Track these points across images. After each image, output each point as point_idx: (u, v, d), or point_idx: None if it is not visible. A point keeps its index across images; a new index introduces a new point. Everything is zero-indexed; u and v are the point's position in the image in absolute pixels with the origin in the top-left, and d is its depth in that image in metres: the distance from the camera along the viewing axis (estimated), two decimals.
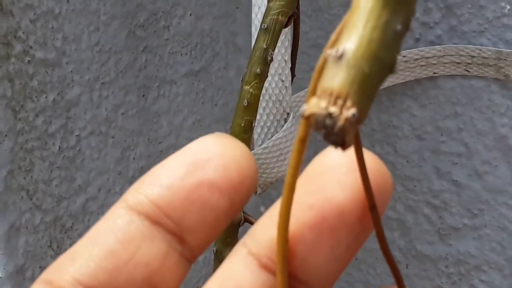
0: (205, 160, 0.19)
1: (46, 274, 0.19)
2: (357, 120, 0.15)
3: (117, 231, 0.19)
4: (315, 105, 0.15)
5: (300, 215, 0.18)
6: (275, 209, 0.19)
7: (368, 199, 0.19)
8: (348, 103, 0.15)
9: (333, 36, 0.17)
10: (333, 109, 0.15)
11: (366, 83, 0.16)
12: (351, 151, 0.19)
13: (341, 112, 0.15)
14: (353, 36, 0.16)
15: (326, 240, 0.18)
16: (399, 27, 0.16)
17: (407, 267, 0.59)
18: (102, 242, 0.19)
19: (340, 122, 0.15)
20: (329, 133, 0.15)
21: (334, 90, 0.15)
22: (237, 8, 0.60)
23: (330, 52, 0.16)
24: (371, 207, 0.19)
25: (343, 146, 0.16)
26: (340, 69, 0.15)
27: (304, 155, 0.17)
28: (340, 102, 0.15)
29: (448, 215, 0.56)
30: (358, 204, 0.19)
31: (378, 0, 0.16)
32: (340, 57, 0.16)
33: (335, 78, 0.15)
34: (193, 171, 0.19)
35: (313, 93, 0.16)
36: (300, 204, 0.19)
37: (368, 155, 0.19)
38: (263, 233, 0.19)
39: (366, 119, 0.16)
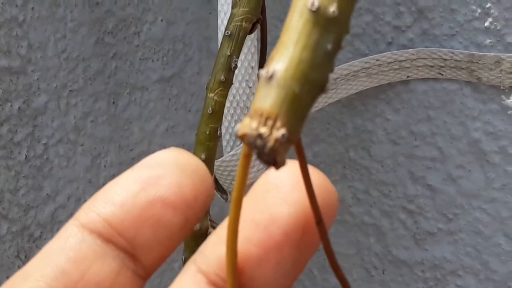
0: (159, 177, 0.19)
1: None
2: (287, 140, 0.15)
3: (69, 250, 0.19)
4: (247, 126, 0.15)
5: (246, 232, 0.19)
6: (224, 227, 0.19)
7: (315, 213, 0.19)
8: (278, 123, 0.15)
9: (270, 56, 0.16)
10: (263, 130, 0.15)
11: (297, 103, 0.15)
12: (296, 168, 0.19)
13: (271, 133, 0.15)
14: (283, 57, 0.16)
15: (272, 257, 0.19)
16: (329, 46, 0.16)
17: (383, 273, 0.59)
18: (53, 261, 0.18)
19: (270, 143, 0.15)
20: (261, 153, 0.15)
21: (264, 111, 0.15)
22: (210, 13, 0.60)
23: (261, 72, 0.16)
24: (317, 222, 0.19)
25: (276, 165, 0.16)
26: (270, 89, 0.15)
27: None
28: (270, 122, 0.15)
29: (423, 219, 0.56)
30: (302, 220, 0.19)
31: (308, 20, 0.16)
32: (270, 78, 0.16)
33: (266, 98, 0.15)
34: (146, 188, 0.19)
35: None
36: (247, 221, 0.19)
37: (313, 171, 0.19)
38: (212, 251, 0.19)
39: (299, 137, 0.16)
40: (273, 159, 0.15)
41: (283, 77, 0.15)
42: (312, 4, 0.15)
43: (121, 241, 0.19)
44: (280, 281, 0.19)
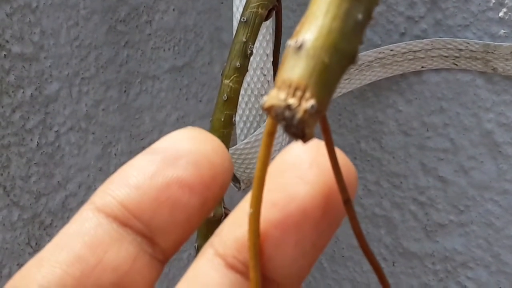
0: (175, 157, 0.18)
1: (13, 281, 0.18)
2: (316, 111, 0.15)
3: (84, 235, 0.18)
4: (274, 97, 0.15)
5: (264, 213, 0.18)
6: (240, 208, 0.19)
7: (342, 193, 0.18)
8: (307, 94, 0.15)
9: (297, 27, 0.16)
10: (292, 101, 0.15)
11: (326, 74, 0.15)
12: (314, 146, 0.18)
13: (300, 104, 0.15)
14: (313, 27, 0.15)
15: (291, 237, 0.18)
16: (360, 16, 0.15)
17: (393, 265, 0.59)
18: (69, 247, 0.18)
19: (299, 114, 0.15)
20: (288, 125, 0.15)
21: (293, 82, 0.15)
22: (222, 3, 0.60)
23: (290, 43, 0.15)
24: (345, 201, 0.18)
25: (304, 138, 0.15)
26: (299, 60, 0.15)
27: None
28: (299, 93, 0.15)
29: (435, 211, 0.56)
30: (322, 199, 0.18)
31: None
32: (299, 48, 0.15)
33: (294, 69, 0.15)
34: (163, 169, 0.18)
35: None
36: (264, 201, 0.18)
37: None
38: (229, 233, 0.19)
39: (327, 109, 0.16)
40: (301, 132, 0.15)
41: (313, 47, 0.15)
42: None
43: (138, 225, 0.18)
44: (299, 261, 0.18)
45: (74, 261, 0.18)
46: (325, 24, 0.15)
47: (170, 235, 0.19)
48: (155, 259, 0.19)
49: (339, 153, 0.19)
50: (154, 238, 0.19)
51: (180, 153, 0.18)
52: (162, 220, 0.18)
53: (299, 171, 0.18)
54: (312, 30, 0.15)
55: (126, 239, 0.18)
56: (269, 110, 0.15)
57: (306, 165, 0.18)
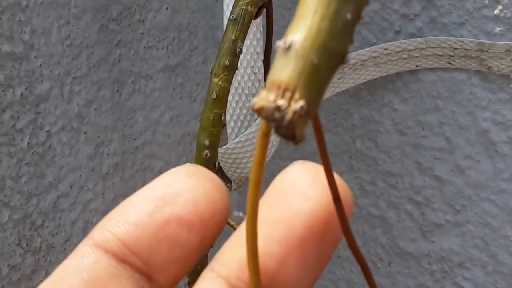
0: (174, 195, 0.18)
1: None
2: (306, 112, 0.15)
3: (83, 271, 0.18)
4: (264, 98, 0.15)
5: (267, 230, 0.18)
6: (240, 231, 0.19)
7: (332, 190, 0.18)
8: (297, 95, 0.15)
9: (288, 27, 0.16)
10: (281, 102, 0.15)
11: (316, 75, 0.15)
12: (313, 167, 0.19)
13: (289, 105, 0.15)
14: (302, 27, 0.15)
15: (295, 254, 0.18)
16: (349, 16, 0.15)
17: (389, 265, 0.58)
18: (67, 283, 0.18)
19: (289, 115, 0.15)
20: (279, 126, 0.15)
21: (282, 83, 0.15)
22: (216, 1, 0.59)
23: (279, 43, 0.15)
24: (335, 199, 0.18)
25: (294, 139, 0.15)
26: (288, 60, 0.15)
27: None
28: (288, 94, 0.15)
29: (431, 211, 0.55)
30: (325, 215, 0.18)
31: None
32: (288, 49, 0.15)
33: (284, 70, 0.15)
34: (162, 206, 0.18)
35: None
36: (267, 219, 0.18)
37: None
38: (231, 255, 0.19)
39: (318, 110, 0.16)
40: (291, 133, 0.15)
41: (302, 47, 0.15)
42: None
43: (136, 261, 0.18)
44: (303, 279, 0.18)
45: None
46: (314, 24, 0.15)
47: (168, 272, 0.19)
48: None
49: (337, 179, 0.19)
50: (152, 275, 0.19)
51: (179, 190, 0.18)
52: (161, 257, 0.18)
53: (301, 189, 0.18)
54: (301, 30, 0.15)
55: (124, 276, 0.18)
56: (259, 111, 0.15)
57: (308, 182, 0.19)
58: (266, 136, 0.16)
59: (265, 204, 0.18)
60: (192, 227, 0.18)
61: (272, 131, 0.15)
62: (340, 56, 0.15)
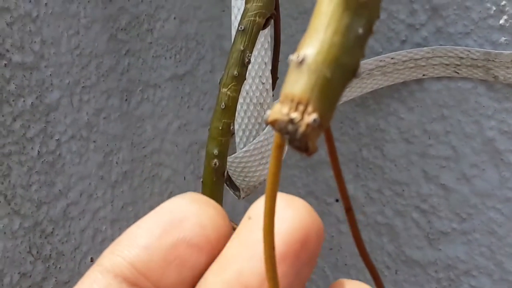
0: (181, 219, 0.19)
1: None
2: (319, 125, 0.15)
3: None
4: (277, 111, 0.15)
5: (249, 250, 0.19)
6: (223, 256, 0.19)
7: (344, 201, 0.19)
8: (310, 108, 0.15)
9: (301, 41, 0.16)
10: (295, 115, 0.15)
11: (328, 88, 0.15)
12: (281, 196, 0.19)
13: (302, 118, 0.15)
14: (314, 41, 0.16)
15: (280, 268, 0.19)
16: (361, 30, 0.16)
17: (396, 273, 0.58)
18: None
19: (302, 128, 0.15)
20: (292, 138, 0.15)
21: (295, 96, 0.15)
22: (223, 11, 0.60)
23: (292, 57, 0.16)
24: (347, 209, 0.19)
25: (307, 151, 0.16)
26: (301, 74, 0.15)
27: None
28: (301, 107, 0.15)
29: (437, 219, 0.55)
30: (300, 233, 0.19)
31: (339, 4, 0.15)
32: (301, 63, 0.15)
33: (297, 83, 0.15)
34: (170, 230, 0.19)
35: None
36: (247, 240, 0.19)
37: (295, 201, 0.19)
38: (216, 278, 0.19)
39: (329, 123, 0.16)
40: (304, 145, 0.15)
41: (314, 62, 0.15)
42: None
43: (147, 284, 0.19)
44: None
45: None
46: (326, 38, 0.15)
47: None
48: None
49: (307, 207, 0.19)
50: None
51: (186, 215, 0.19)
52: (171, 279, 0.19)
53: (277, 213, 0.19)
54: (313, 44, 0.15)
55: None
56: (273, 124, 0.16)
57: (283, 206, 0.19)
58: (280, 148, 0.16)
59: (246, 227, 0.19)
60: (201, 249, 0.19)
61: (286, 143, 0.16)
62: (352, 70, 0.16)
